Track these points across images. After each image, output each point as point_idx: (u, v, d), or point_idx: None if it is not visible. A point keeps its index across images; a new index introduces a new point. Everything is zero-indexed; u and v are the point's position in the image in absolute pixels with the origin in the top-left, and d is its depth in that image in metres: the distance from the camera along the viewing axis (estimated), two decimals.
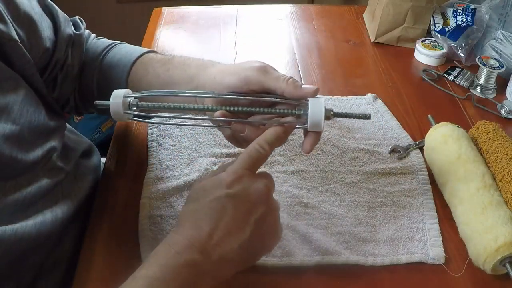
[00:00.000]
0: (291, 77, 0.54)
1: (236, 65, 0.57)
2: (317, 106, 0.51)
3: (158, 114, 0.63)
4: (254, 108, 0.55)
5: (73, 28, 0.68)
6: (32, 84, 0.58)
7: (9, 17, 0.55)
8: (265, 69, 0.54)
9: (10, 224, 0.51)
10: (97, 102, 0.55)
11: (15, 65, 0.55)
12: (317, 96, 0.53)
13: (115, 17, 2.21)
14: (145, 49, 0.69)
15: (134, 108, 0.55)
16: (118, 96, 0.54)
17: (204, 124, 0.74)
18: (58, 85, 0.67)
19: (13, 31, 0.55)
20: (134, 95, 0.55)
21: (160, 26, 1.11)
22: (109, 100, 0.54)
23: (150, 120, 0.56)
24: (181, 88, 0.60)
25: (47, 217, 0.55)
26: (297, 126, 0.54)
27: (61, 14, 0.67)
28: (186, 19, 1.15)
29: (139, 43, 1.04)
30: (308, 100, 0.53)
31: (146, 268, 0.45)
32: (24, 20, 0.58)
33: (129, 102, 0.54)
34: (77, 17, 0.71)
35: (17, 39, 0.55)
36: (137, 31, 1.15)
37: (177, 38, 1.08)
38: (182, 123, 0.78)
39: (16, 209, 0.52)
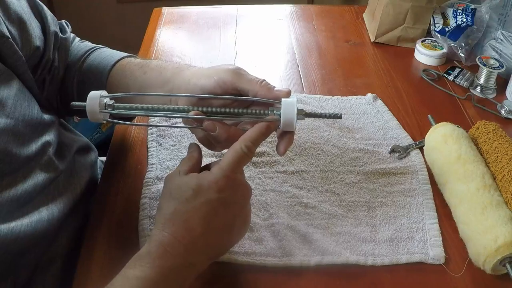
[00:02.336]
0: (264, 80, 0.54)
1: (210, 68, 0.58)
2: (289, 106, 0.52)
3: (135, 114, 0.64)
4: (228, 109, 0.55)
5: (59, 31, 0.68)
6: (24, 81, 0.59)
7: (0, 14, 0.56)
8: (238, 72, 0.55)
9: (6, 223, 0.50)
10: (73, 103, 0.56)
11: (6, 62, 0.56)
12: (291, 97, 0.54)
13: (115, 17, 2.21)
14: (125, 54, 0.69)
15: (110, 109, 0.55)
16: (94, 97, 0.54)
17: (178, 125, 0.74)
18: (46, 87, 0.67)
19: (4, 28, 0.55)
20: (110, 95, 0.56)
21: (160, 26, 1.11)
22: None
23: (125, 122, 0.57)
24: (157, 91, 0.61)
25: (43, 215, 0.55)
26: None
27: (50, 15, 0.67)
28: (186, 19, 1.15)
29: (139, 43, 1.04)
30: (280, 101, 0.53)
31: (140, 268, 0.46)
32: (15, 19, 0.58)
33: (105, 103, 0.55)
34: (63, 20, 0.72)
35: (9, 36, 0.56)
36: (137, 31, 1.15)
37: (177, 38, 1.08)
38: (157, 124, 0.78)
39: (12, 207, 0.52)
